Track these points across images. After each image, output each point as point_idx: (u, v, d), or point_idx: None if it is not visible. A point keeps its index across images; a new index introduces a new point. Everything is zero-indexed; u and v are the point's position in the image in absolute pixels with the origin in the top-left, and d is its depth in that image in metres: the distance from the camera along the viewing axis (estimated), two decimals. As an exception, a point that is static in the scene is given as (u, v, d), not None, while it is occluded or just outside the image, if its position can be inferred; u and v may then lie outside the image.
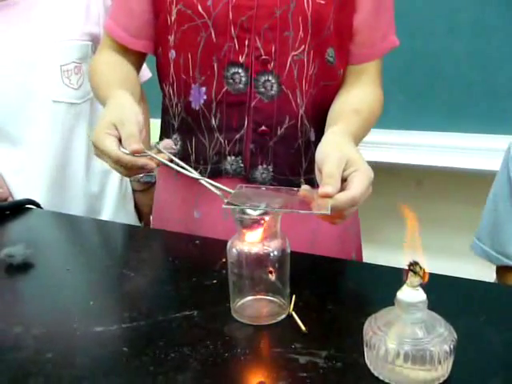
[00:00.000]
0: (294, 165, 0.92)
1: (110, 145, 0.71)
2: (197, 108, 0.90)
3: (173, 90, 0.93)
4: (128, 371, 0.59)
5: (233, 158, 0.90)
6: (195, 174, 0.72)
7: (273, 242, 0.67)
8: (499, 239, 0.98)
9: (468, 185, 1.71)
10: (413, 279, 0.55)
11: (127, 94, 0.80)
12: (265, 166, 0.90)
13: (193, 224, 0.97)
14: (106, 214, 1.38)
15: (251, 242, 0.67)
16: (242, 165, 0.91)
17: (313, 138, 0.93)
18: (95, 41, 1.30)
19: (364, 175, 0.66)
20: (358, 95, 0.91)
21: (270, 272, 0.67)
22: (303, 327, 0.65)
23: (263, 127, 0.88)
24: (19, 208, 1.14)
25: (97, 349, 0.63)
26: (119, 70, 0.93)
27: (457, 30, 1.58)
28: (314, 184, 0.91)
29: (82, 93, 1.30)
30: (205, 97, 0.88)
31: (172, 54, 0.90)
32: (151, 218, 1.16)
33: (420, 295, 0.55)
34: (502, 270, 1.01)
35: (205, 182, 0.70)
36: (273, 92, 0.87)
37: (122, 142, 0.71)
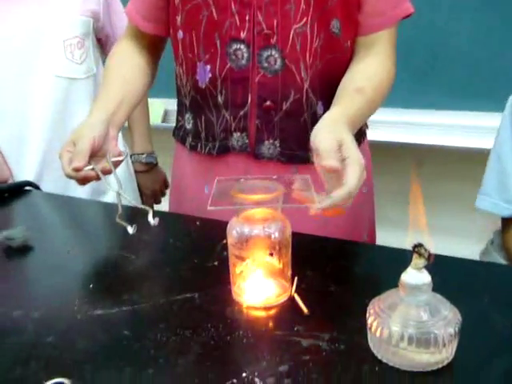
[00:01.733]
0: (300, 139, 0.90)
1: (64, 161, 0.80)
2: (203, 86, 0.91)
3: (182, 70, 0.96)
4: (129, 355, 0.58)
5: (238, 134, 0.91)
6: (115, 188, 0.79)
7: (274, 224, 0.66)
8: (508, 189, 0.99)
9: (471, 164, 1.70)
10: (417, 261, 0.54)
11: (99, 113, 0.87)
12: (271, 141, 0.91)
13: (203, 200, 0.96)
14: (112, 195, 1.36)
15: (251, 224, 0.66)
16: (247, 141, 0.91)
17: (320, 112, 0.91)
18: (95, 18, 1.30)
19: (357, 164, 0.66)
20: (365, 71, 0.88)
21: (271, 254, 0.66)
22: (305, 309, 0.64)
23: (268, 102, 0.88)
24: (18, 190, 1.12)
25: (97, 332, 0.62)
26: (125, 68, 0.97)
27: (461, 6, 1.55)
28: None
29: (85, 68, 1.29)
30: (210, 74, 0.89)
31: (180, 34, 0.92)
32: (168, 198, 1.17)
33: (425, 277, 0.54)
34: (509, 222, 1.00)
35: (121, 195, 0.79)
36: (276, 66, 0.86)
37: (72, 158, 0.79)
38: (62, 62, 1.24)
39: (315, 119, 0.90)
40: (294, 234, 0.68)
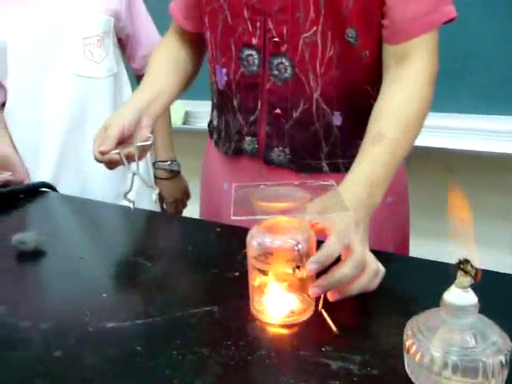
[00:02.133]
0: (312, 149, 0.89)
1: (95, 146, 0.82)
2: (221, 88, 0.93)
3: (210, 69, 0.97)
4: (141, 373, 0.54)
5: (249, 138, 0.91)
6: (132, 170, 0.83)
7: (299, 234, 0.61)
8: None
9: (502, 171, 1.62)
10: (463, 279, 0.48)
11: (134, 102, 0.89)
12: (281, 148, 0.89)
13: (223, 197, 1.00)
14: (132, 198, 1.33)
15: (274, 234, 0.61)
16: (256, 146, 0.91)
17: (338, 123, 0.87)
18: (117, 17, 1.28)
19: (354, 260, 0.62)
20: (389, 108, 0.77)
21: (297, 267, 0.61)
22: (334, 328, 0.59)
23: (278, 110, 0.87)
24: (34, 191, 1.09)
25: (108, 347, 0.58)
26: (167, 61, 0.98)
27: (494, 5, 1.48)
28: (339, 168, 0.88)
29: (105, 67, 1.27)
30: (225, 78, 0.90)
31: (207, 34, 0.92)
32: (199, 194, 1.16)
33: (470, 298, 0.48)
34: None
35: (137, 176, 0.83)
36: (287, 75, 0.84)
37: (101, 143, 0.81)
38: (81, 61, 1.22)
39: (330, 130, 0.87)
40: (319, 243, 0.63)
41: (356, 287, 0.62)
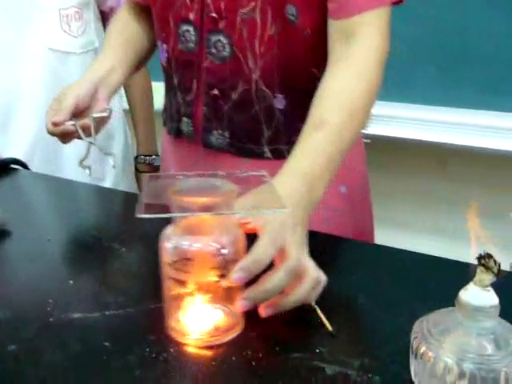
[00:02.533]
0: (252, 133, 0.83)
1: (47, 118, 0.79)
2: (164, 65, 0.89)
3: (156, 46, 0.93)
4: (108, 373, 0.46)
5: (186, 119, 0.87)
6: (88, 139, 0.80)
7: (223, 236, 0.51)
8: None
9: (500, 168, 1.58)
10: (484, 276, 0.42)
11: (89, 74, 0.85)
12: (220, 131, 0.84)
13: None
14: (110, 181, 1.26)
15: (194, 236, 0.51)
16: (191, 128, 0.87)
17: (280, 106, 0.81)
18: None
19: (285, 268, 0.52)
20: (333, 91, 0.69)
21: (222, 275, 0.50)
22: (330, 327, 0.52)
23: (216, 91, 0.82)
24: (3, 168, 1.01)
25: (71, 342, 0.50)
26: (124, 34, 0.93)
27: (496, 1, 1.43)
28: (282, 154, 0.82)
29: (83, 42, 1.20)
30: (166, 54, 0.86)
31: (152, 9, 0.87)
32: None
33: (491, 298, 0.42)
34: None
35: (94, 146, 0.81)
36: (225, 53, 0.79)
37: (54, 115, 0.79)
38: (56, 34, 1.15)
39: (271, 113, 0.82)
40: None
41: (291, 299, 0.52)
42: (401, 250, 0.67)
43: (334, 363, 0.47)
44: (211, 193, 0.50)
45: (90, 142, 0.81)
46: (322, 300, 0.55)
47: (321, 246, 0.66)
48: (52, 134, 0.79)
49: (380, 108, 1.85)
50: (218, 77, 0.81)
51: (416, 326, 0.45)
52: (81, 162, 0.83)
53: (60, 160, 1.20)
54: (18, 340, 0.51)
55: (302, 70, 0.79)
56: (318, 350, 0.49)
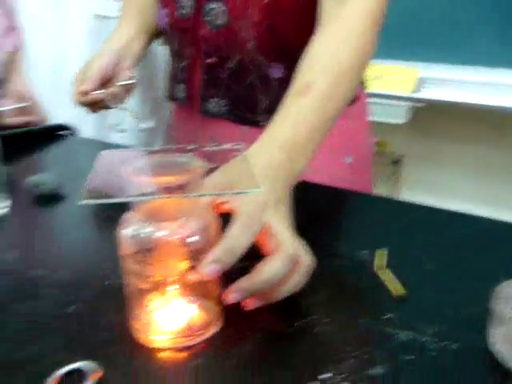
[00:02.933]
0: (249, 101, 0.83)
1: (74, 89, 0.81)
2: (165, 29, 0.89)
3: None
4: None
5: (181, 85, 0.88)
6: (119, 106, 0.81)
7: (192, 221, 0.43)
8: None
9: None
10: None
11: (110, 44, 0.85)
12: (216, 99, 0.85)
13: None
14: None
15: (157, 222, 0.43)
16: (184, 94, 0.88)
17: (277, 75, 0.80)
18: None
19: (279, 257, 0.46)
20: (320, 54, 0.64)
21: (192, 267, 0.43)
22: (401, 289, 0.49)
23: (212, 58, 0.82)
24: (53, 134, 1.01)
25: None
26: (140, 1, 0.93)
27: None
28: None
29: (119, 5, 1.17)
30: (166, 19, 0.86)
31: None
32: None
33: None
34: None
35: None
36: (220, 21, 0.78)
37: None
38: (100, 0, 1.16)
39: (267, 83, 0.81)
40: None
41: (286, 289, 0.47)
42: (476, 216, 0.63)
43: (407, 329, 0.45)
44: (176, 171, 0.42)
45: (123, 108, 0.83)
46: (389, 265, 0.53)
47: (376, 208, 0.63)
48: (81, 103, 0.80)
49: (430, 71, 1.77)
50: (215, 45, 0.80)
51: (497, 292, 0.42)
52: (114, 127, 0.87)
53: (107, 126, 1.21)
54: (78, 301, 0.50)
55: (299, 39, 0.72)
56: (385, 316, 0.46)
